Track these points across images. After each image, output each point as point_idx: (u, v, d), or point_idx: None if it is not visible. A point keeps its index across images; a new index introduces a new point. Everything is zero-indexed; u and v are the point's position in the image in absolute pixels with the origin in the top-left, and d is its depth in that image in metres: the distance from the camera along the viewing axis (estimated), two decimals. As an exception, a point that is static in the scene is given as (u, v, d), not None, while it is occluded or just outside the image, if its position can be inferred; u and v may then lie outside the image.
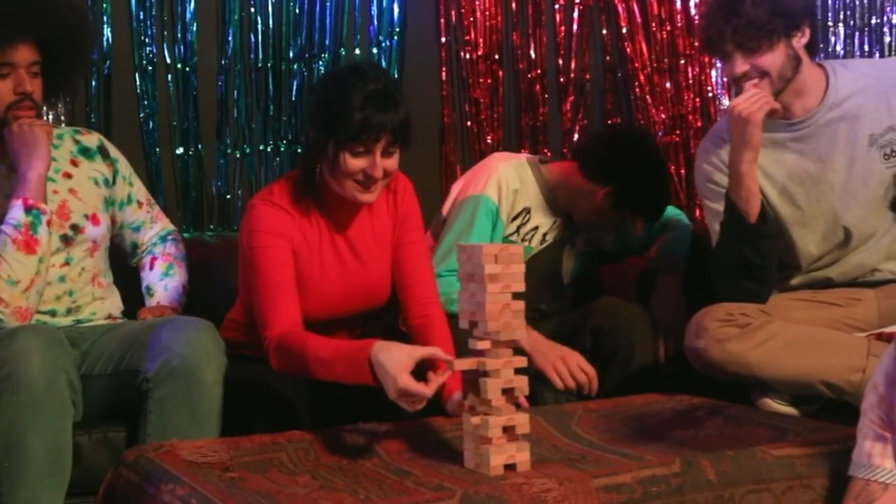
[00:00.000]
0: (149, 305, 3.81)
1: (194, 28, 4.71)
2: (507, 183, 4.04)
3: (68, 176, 3.69)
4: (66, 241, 3.61)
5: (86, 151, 3.78)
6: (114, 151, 3.85)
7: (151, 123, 4.66)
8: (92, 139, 3.83)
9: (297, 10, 4.83)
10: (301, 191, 3.53)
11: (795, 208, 3.70)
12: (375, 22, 4.95)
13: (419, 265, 3.64)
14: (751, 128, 3.50)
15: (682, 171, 5.32)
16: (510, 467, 2.74)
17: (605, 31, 5.33)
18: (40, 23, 3.57)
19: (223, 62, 4.75)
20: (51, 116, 3.63)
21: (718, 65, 5.32)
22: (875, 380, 2.61)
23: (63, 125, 3.77)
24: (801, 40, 3.58)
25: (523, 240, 4.04)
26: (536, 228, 4.09)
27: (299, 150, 4.34)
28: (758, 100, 3.51)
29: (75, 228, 3.63)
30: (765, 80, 3.55)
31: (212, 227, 4.73)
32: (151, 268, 3.86)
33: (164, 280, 3.84)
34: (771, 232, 3.61)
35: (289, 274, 3.43)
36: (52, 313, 3.58)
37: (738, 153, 3.54)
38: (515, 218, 4.08)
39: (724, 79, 5.31)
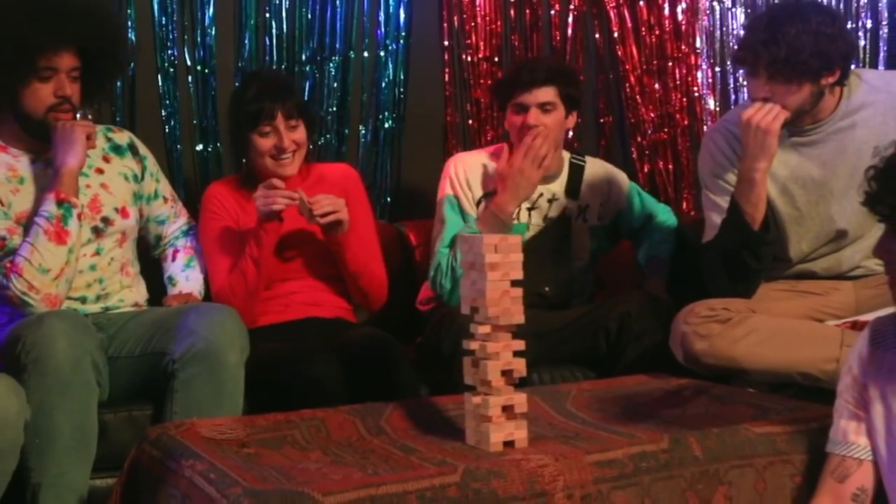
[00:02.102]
0: (172, 294, 3.82)
1: (213, 32, 4.71)
2: (457, 175, 4.14)
3: (100, 171, 3.71)
4: (97, 232, 3.62)
5: (117, 149, 3.80)
6: (143, 149, 3.87)
7: (173, 122, 4.66)
8: (123, 137, 3.85)
9: (310, 16, 4.82)
10: (244, 181, 3.99)
11: (794, 208, 3.67)
12: (383, 27, 4.94)
13: (362, 233, 3.93)
14: (770, 138, 3.44)
15: (670, 166, 5.32)
16: (509, 444, 2.73)
17: (597, 36, 5.32)
18: (82, 33, 3.59)
19: (240, 64, 4.75)
20: (78, 116, 3.63)
21: (704, 67, 5.31)
22: (850, 362, 2.62)
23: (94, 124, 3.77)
24: (829, 80, 3.46)
25: None
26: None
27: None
28: (774, 112, 3.44)
29: (106, 221, 3.65)
30: (784, 110, 3.46)
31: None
32: (174, 259, 3.88)
33: (185, 271, 3.86)
34: (771, 239, 3.58)
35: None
36: (83, 300, 3.59)
37: (753, 162, 3.48)
38: (480, 202, 4.12)
39: (710, 80, 5.31)
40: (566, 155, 4.28)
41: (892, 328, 2.56)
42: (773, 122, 3.44)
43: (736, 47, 3.64)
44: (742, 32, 3.72)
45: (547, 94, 4.01)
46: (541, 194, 4.13)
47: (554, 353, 3.92)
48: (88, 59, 3.65)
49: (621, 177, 4.41)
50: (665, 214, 4.45)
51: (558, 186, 4.20)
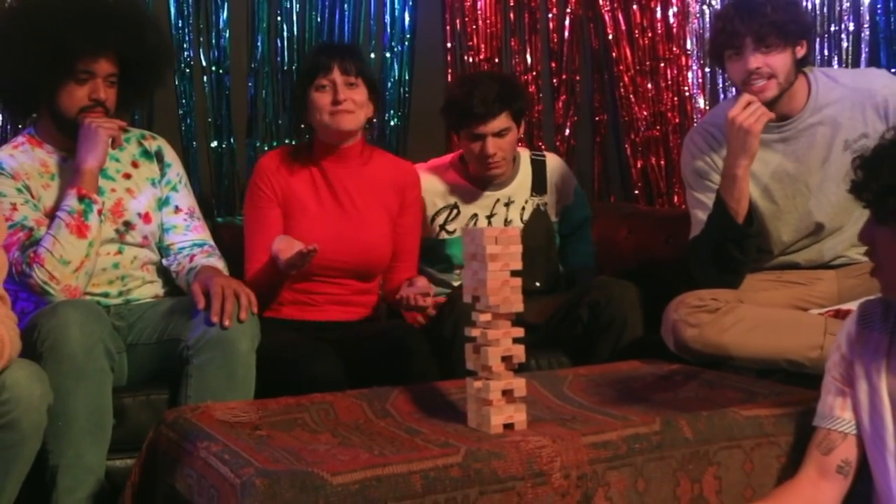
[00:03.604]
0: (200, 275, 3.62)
1: (227, 34, 4.70)
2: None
3: (127, 176, 3.70)
4: (120, 234, 3.62)
5: (146, 154, 3.78)
6: (169, 157, 3.82)
7: (189, 120, 4.66)
8: (153, 144, 3.82)
9: (319, 19, 4.82)
10: (295, 152, 3.87)
11: (773, 204, 3.68)
12: (388, 29, 4.94)
13: (407, 242, 3.93)
14: (751, 138, 3.46)
15: (662, 162, 5.32)
16: (509, 426, 2.73)
17: (593, 38, 5.32)
18: (122, 41, 3.59)
19: (253, 65, 4.74)
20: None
21: (694, 67, 5.30)
22: (839, 341, 2.62)
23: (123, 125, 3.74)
24: (800, 52, 3.54)
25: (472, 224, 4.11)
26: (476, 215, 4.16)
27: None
28: (757, 112, 3.47)
29: (127, 225, 3.63)
30: (771, 80, 3.49)
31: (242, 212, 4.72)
32: (191, 261, 3.69)
33: (206, 261, 3.74)
34: (755, 231, 3.58)
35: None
36: (105, 294, 3.59)
37: (736, 159, 3.50)
38: (437, 215, 4.15)
39: (700, 80, 5.30)
40: (525, 154, 4.27)
41: (880, 310, 2.57)
42: (756, 123, 3.46)
43: (716, 35, 3.64)
44: (713, 26, 3.72)
45: (501, 122, 3.97)
46: (497, 200, 4.15)
47: (537, 341, 3.91)
48: (127, 66, 3.65)
49: (571, 174, 4.40)
50: (591, 256, 4.41)
51: (518, 188, 4.19)
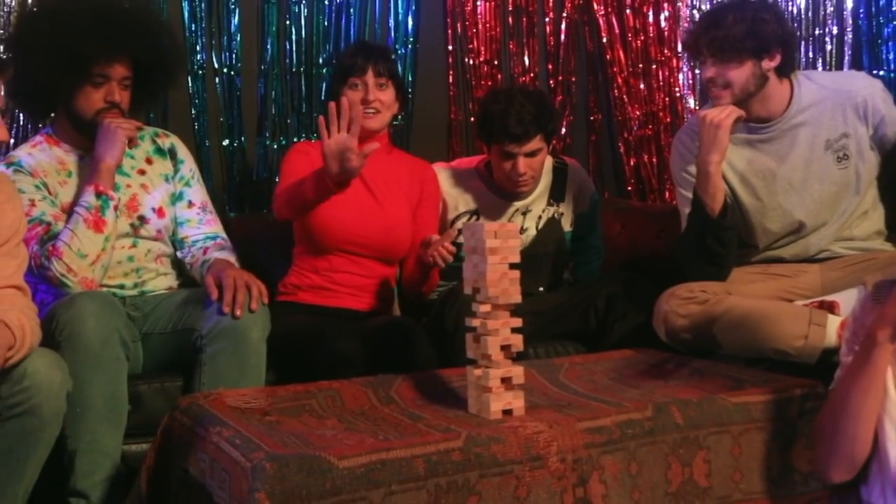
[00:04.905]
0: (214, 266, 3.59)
1: (238, 38, 4.69)
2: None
3: (142, 173, 3.71)
4: (134, 228, 3.63)
5: (159, 151, 3.79)
6: (182, 154, 3.84)
7: (202, 119, 4.65)
8: (166, 142, 3.83)
9: (326, 23, 4.81)
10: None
11: (756, 199, 3.68)
12: (393, 33, 4.93)
13: (424, 234, 3.85)
14: (721, 132, 3.48)
15: (654, 159, 5.31)
16: (507, 412, 2.73)
17: (588, 41, 5.31)
18: (136, 46, 3.61)
19: (262, 67, 4.72)
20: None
21: (685, 69, 5.30)
22: (853, 312, 2.67)
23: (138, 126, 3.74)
24: (770, 63, 3.53)
25: None
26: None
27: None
28: (728, 110, 3.50)
29: (142, 219, 3.65)
30: (727, 90, 3.52)
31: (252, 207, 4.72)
32: (205, 253, 3.69)
33: (218, 254, 3.73)
34: (730, 224, 3.57)
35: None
36: (121, 286, 3.60)
37: (707, 155, 3.52)
38: (458, 218, 4.11)
39: (690, 81, 5.29)
40: (548, 161, 4.19)
41: (890, 287, 2.59)
42: (726, 119, 3.48)
43: (683, 41, 3.67)
44: (688, 30, 3.75)
45: (534, 143, 3.91)
46: (517, 209, 4.13)
47: (548, 329, 3.91)
48: (141, 69, 3.65)
49: (590, 182, 4.37)
50: (600, 241, 4.38)
51: (538, 197, 4.16)
